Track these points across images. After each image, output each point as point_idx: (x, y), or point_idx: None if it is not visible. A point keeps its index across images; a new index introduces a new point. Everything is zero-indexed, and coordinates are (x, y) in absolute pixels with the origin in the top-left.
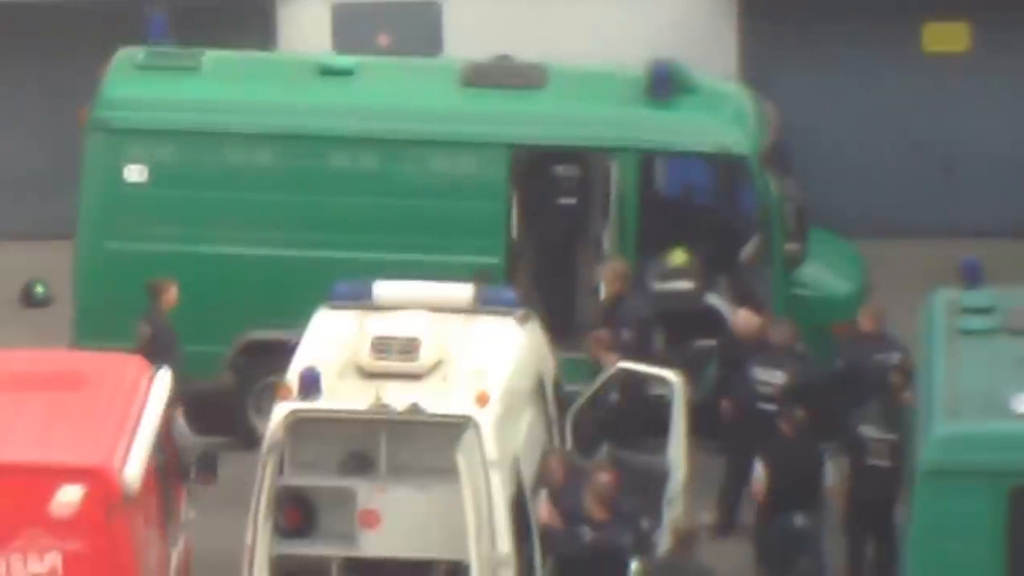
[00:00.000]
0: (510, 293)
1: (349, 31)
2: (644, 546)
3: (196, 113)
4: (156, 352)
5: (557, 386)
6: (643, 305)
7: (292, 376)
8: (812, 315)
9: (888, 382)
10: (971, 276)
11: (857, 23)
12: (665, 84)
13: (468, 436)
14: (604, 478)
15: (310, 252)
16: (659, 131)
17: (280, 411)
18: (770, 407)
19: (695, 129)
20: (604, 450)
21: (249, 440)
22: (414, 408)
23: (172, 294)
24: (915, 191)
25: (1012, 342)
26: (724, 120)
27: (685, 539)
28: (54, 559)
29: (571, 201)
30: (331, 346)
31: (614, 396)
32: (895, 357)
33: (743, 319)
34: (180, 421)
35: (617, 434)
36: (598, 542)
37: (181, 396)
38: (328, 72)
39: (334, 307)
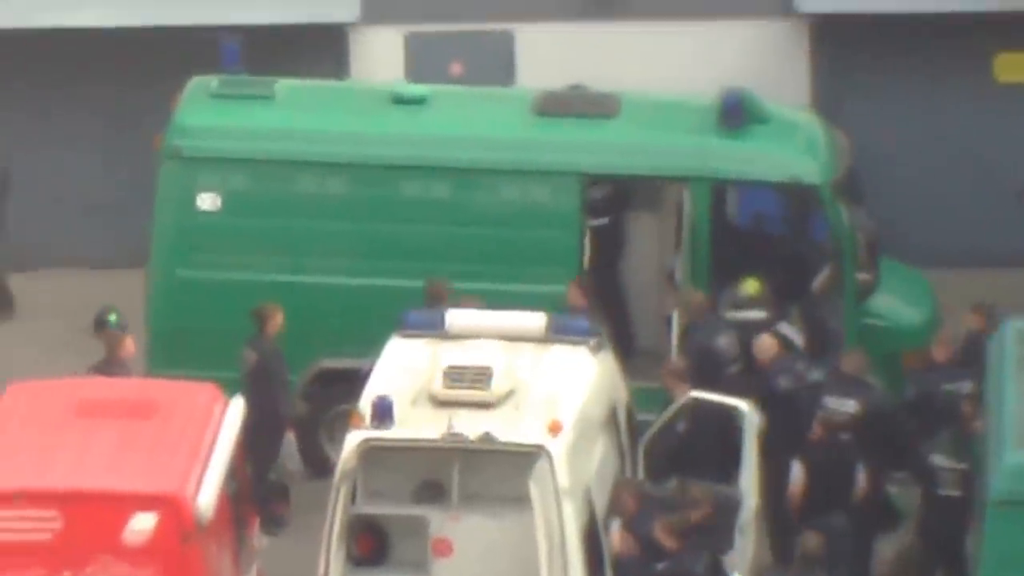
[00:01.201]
0: (583, 322)
1: (422, 59)
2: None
3: (269, 141)
4: (263, 377)
5: (630, 415)
6: (711, 332)
7: (365, 404)
8: (883, 344)
9: (959, 411)
10: None
11: (929, 52)
12: (737, 113)
13: (540, 465)
14: (704, 511)
15: (383, 280)
16: (731, 160)
17: (353, 439)
18: (843, 436)
19: (767, 158)
20: (674, 479)
21: (322, 468)
22: (487, 437)
23: (278, 320)
24: (986, 220)
25: None
26: (796, 149)
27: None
28: None
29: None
30: (404, 374)
31: (684, 425)
32: (966, 386)
33: (764, 344)
34: (291, 445)
35: (688, 463)
36: (671, 571)
37: (290, 420)
38: (401, 101)
39: (407, 335)
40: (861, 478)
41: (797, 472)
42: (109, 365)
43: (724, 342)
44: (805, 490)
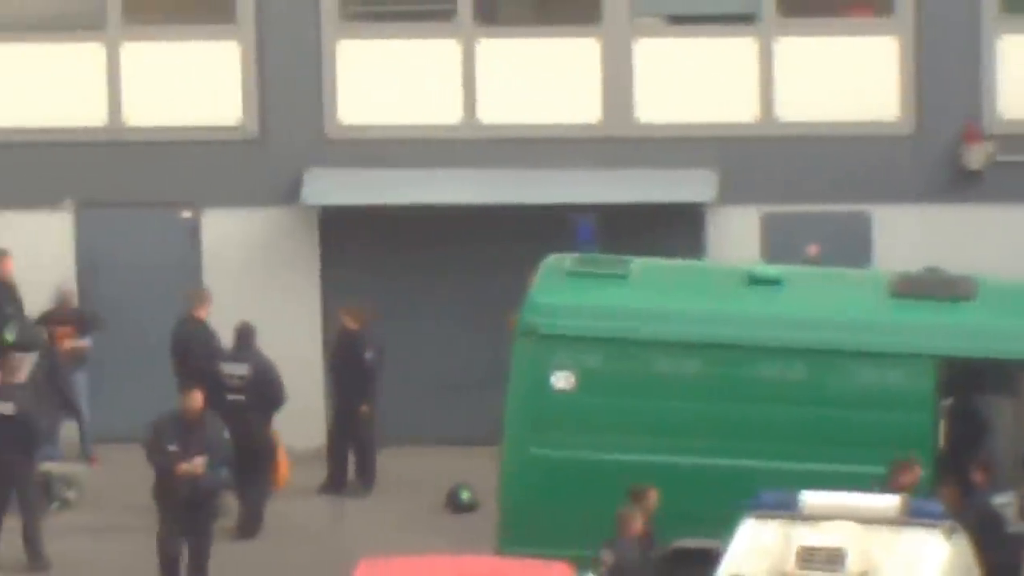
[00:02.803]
0: (937, 506)
1: (778, 239)
2: None
3: (624, 321)
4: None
5: None
6: None
7: None
8: None
9: None
10: None
11: None
12: None
13: None
14: None
15: (737, 461)
16: None
17: None
18: None
19: None
20: None
21: None
22: None
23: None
24: None
25: None
26: None
27: None
28: None
29: (1005, 412)
30: (757, 555)
31: None
32: None
33: None
34: None
35: None
36: None
37: None
38: (756, 281)
39: (760, 516)
40: None
41: None
42: None
43: None
44: None
